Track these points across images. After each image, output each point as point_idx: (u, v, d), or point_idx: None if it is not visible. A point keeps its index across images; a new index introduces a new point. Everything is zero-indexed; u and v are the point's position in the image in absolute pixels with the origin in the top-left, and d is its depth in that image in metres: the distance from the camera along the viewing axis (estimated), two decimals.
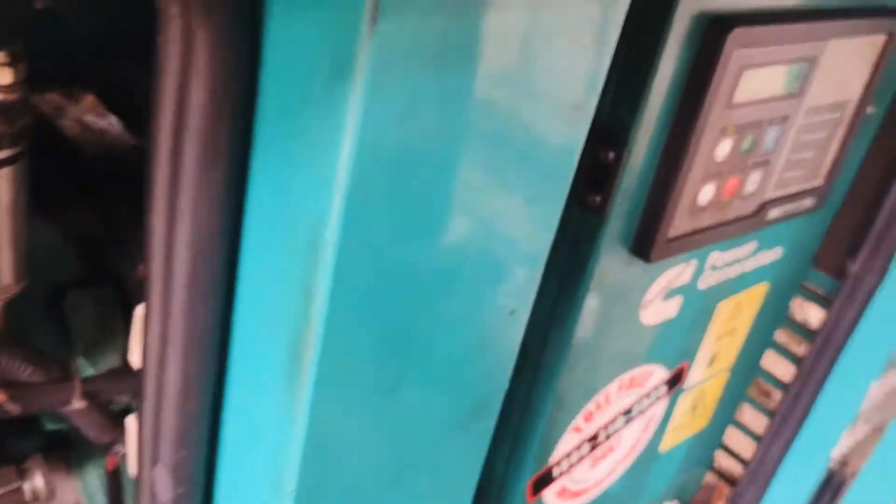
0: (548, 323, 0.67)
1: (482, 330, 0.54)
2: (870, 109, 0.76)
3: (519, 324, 0.57)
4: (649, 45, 0.54)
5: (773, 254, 0.82)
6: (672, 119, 0.58)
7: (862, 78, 0.71)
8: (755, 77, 0.60)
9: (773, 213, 0.72)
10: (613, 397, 0.76)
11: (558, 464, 0.76)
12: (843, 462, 1.02)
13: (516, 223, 0.51)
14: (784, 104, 0.65)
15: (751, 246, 0.77)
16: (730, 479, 1.06)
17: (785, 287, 0.89)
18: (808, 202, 0.76)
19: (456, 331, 0.52)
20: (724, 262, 0.75)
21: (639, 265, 0.65)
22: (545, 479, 0.75)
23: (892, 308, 0.90)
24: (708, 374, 0.88)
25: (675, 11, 0.53)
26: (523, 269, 0.54)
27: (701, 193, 0.63)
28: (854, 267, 0.88)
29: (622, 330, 0.70)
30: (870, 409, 0.99)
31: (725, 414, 0.99)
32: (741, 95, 0.60)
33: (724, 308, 0.81)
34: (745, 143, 0.64)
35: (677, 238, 0.64)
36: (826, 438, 0.98)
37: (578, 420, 0.74)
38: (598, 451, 0.80)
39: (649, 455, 0.89)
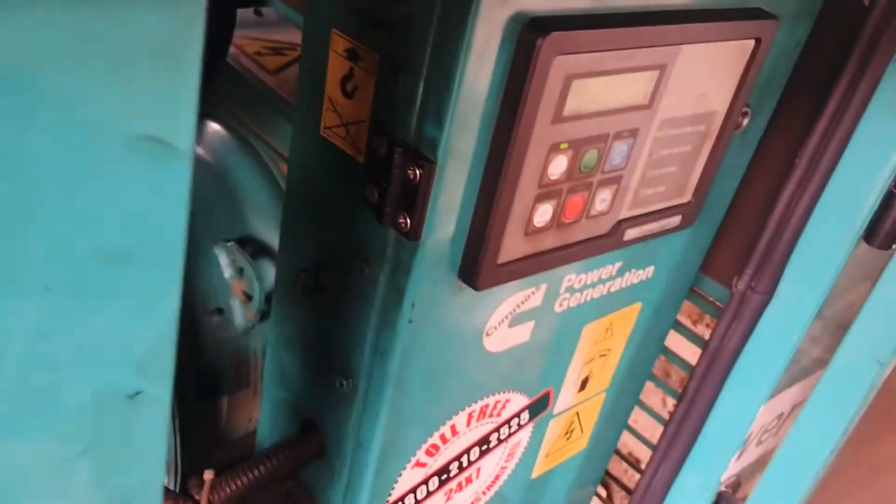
0: (372, 354, 0.60)
1: None
2: (745, 120, 0.70)
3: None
4: (450, 52, 0.48)
5: (644, 273, 0.76)
6: (492, 134, 0.52)
7: (730, 86, 0.65)
8: (589, 87, 0.53)
9: (632, 232, 0.66)
10: (462, 428, 0.69)
11: (402, 499, 0.70)
12: (735, 486, 0.97)
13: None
14: (632, 116, 0.58)
15: (614, 266, 0.71)
16: (627, 488, 1.01)
17: (663, 306, 0.83)
18: (674, 220, 0.70)
19: None
20: (583, 283, 0.69)
21: (472, 291, 0.59)
22: None
23: (781, 329, 0.84)
24: (581, 398, 0.83)
25: (474, 13, 0.46)
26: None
27: (536, 214, 0.57)
28: (739, 286, 0.83)
29: (464, 359, 0.64)
30: (761, 431, 0.94)
31: (608, 435, 0.94)
32: (573, 107, 0.53)
33: (591, 330, 0.75)
34: (586, 160, 0.57)
35: (510, 263, 0.58)
36: (715, 462, 0.93)
37: (420, 454, 0.67)
38: (451, 484, 0.74)
39: (519, 482, 0.83)
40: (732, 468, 0.94)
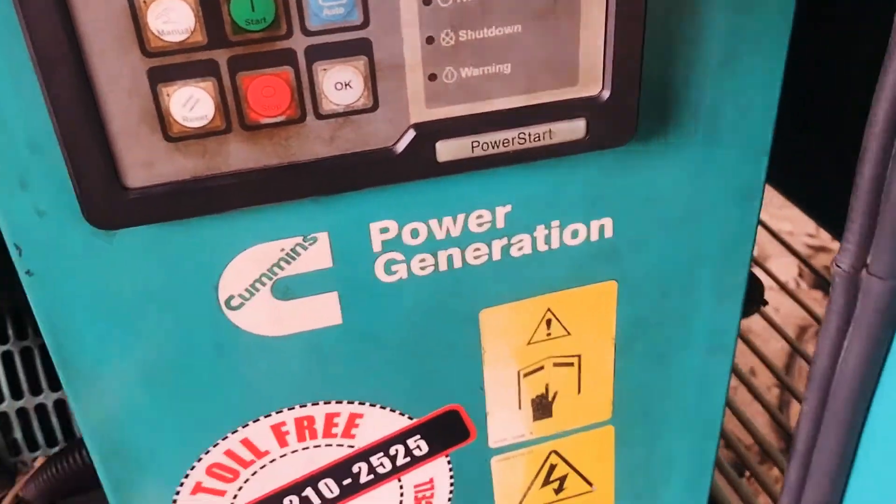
0: None
1: None
2: None
3: None
4: None
5: (587, 230, 0.45)
6: None
7: None
8: None
9: (452, 148, 0.38)
10: (270, 446, 0.48)
11: None
12: None
13: None
14: None
15: (493, 213, 0.43)
16: None
17: (672, 287, 0.50)
18: (566, 128, 0.39)
19: None
20: (423, 237, 0.43)
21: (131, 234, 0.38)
22: None
23: None
24: (552, 430, 0.53)
25: None
26: None
27: (174, 105, 0.34)
28: (841, 264, 0.46)
29: (196, 337, 0.43)
30: None
31: (665, 495, 0.61)
32: None
33: (500, 321, 0.47)
34: (238, 7, 0.33)
35: (154, 189, 0.36)
36: None
37: (196, 474, 0.47)
38: None
39: None
40: None
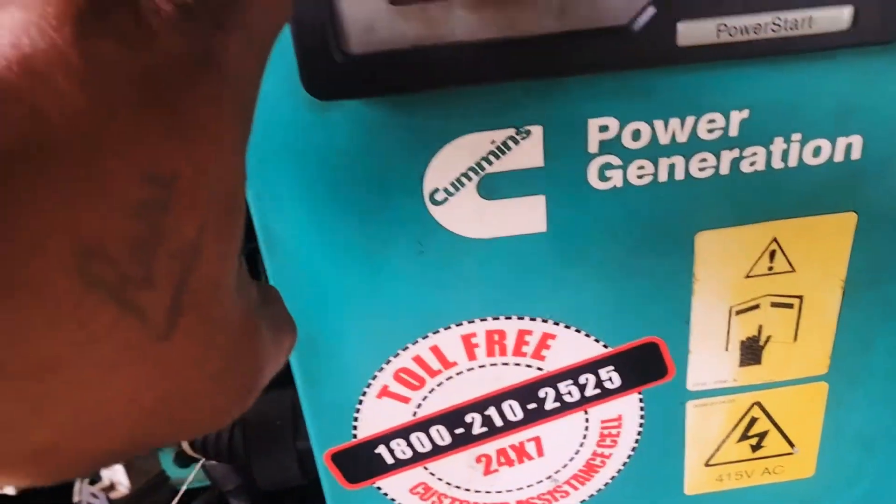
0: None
1: None
2: None
3: None
4: None
5: (832, 147, 0.40)
6: None
7: None
8: None
9: (695, 31, 0.34)
10: (458, 357, 0.46)
11: (387, 440, 0.49)
12: None
13: None
14: None
15: (723, 118, 0.39)
16: None
17: None
18: (825, 18, 0.34)
19: None
20: (645, 141, 0.39)
21: (342, 107, 0.37)
22: (353, 458, 0.49)
23: None
24: (759, 379, 0.48)
25: None
26: None
27: None
28: None
29: (399, 225, 0.41)
30: None
31: (869, 465, 0.54)
32: None
33: (718, 245, 0.43)
34: None
35: (379, 56, 0.34)
36: None
37: (383, 377, 0.46)
38: (484, 448, 0.50)
39: (653, 491, 0.53)
40: None
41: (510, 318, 0.45)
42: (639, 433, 0.50)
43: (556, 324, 0.45)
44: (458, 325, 0.45)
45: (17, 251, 0.18)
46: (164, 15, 0.21)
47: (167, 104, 0.20)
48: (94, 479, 0.95)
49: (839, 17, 0.35)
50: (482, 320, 0.45)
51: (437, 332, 0.45)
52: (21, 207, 0.18)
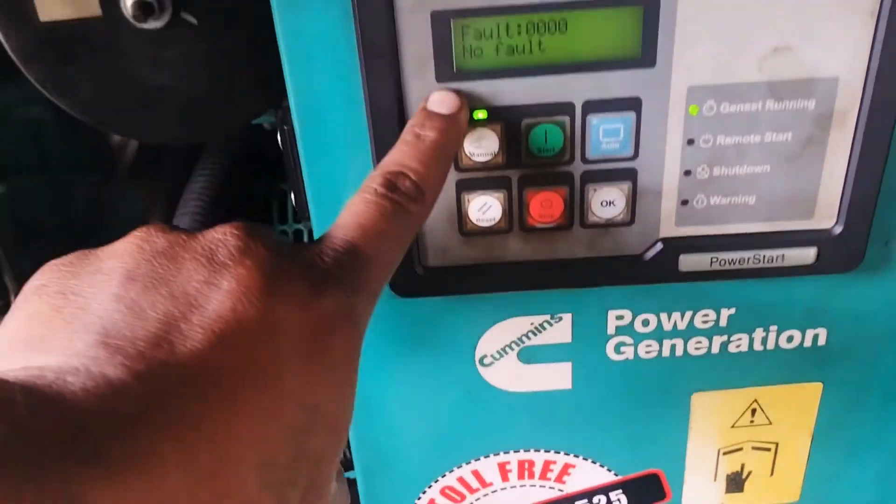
0: None
1: None
2: None
3: None
4: None
5: (802, 336, 0.50)
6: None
7: (851, 38, 0.39)
8: (486, 29, 0.38)
9: (694, 261, 0.45)
10: (494, 479, 0.56)
11: None
12: None
13: None
14: (613, 78, 0.40)
15: (716, 314, 0.49)
16: None
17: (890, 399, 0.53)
18: (798, 254, 0.45)
19: None
20: (651, 327, 0.49)
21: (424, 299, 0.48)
22: None
23: None
24: (741, 503, 0.58)
25: None
26: None
27: (472, 209, 0.43)
28: None
29: (453, 383, 0.52)
30: None
31: None
32: (474, 61, 0.39)
33: (709, 405, 0.53)
34: (535, 138, 0.41)
35: (446, 269, 0.45)
36: None
37: (432, 492, 0.56)
38: None
39: None
40: None
41: (538, 450, 0.55)
42: None
43: (576, 456, 0.55)
44: (495, 455, 0.55)
45: (224, 454, 0.27)
46: (328, 284, 0.31)
47: (321, 352, 0.30)
48: None
49: (806, 255, 0.45)
50: (515, 452, 0.55)
51: (479, 459, 0.55)
52: (231, 417, 0.27)
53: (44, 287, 0.29)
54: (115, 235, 0.33)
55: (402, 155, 0.37)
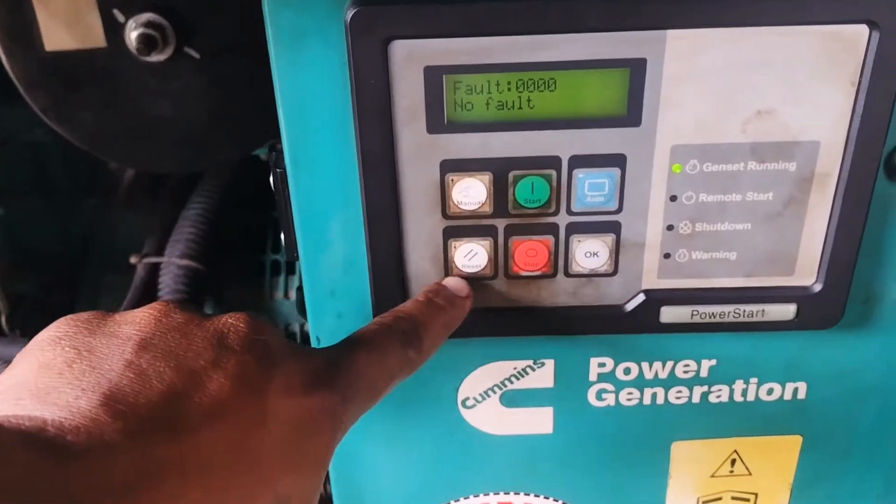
0: None
1: None
2: None
3: None
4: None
5: (783, 390, 0.51)
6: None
7: (833, 103, 0.40)
8: (476, 85, 0.39)
9: (675, 313, 0.45)
10: None
11: None
12: None
13: None
14: (599, 136, 0.41)
15: (697, 365, 0.49)
16: None
17: (873, 456, 0.54)
18: (778, 310, 0.45)
19: None
20: (632, 375, 0.50)
21: None
22: None
23: None
24: None
25: None
26: None
27: (458, 255, 0.44)
28: None
29: (435, 422, 0.52)
30: None
31: None
32: (464, 114, 0.40)
33: (690, 453, 0.53)
34: (521, 190, 0.42)
35: None
36: None
37: None
38: None
39: None
40: None
41: (519, 493, 0.55)
42: None
43: (556, 500, 0.55)
44: (475, 497, 0.55)
45: None
46: (322, 387, 0.32)
47: (301, 447, 0.32)
48: None
49: (786, 311, 0.46)
50: (496, 494, 0.55)
51: (459, 500, 0.55)
52: (211, 494, 0.28)
53: (59, 340, 0.31)
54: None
55: (413, 308, 0.41)
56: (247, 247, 0.83)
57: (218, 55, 0.61)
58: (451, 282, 0.44)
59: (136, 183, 0.87)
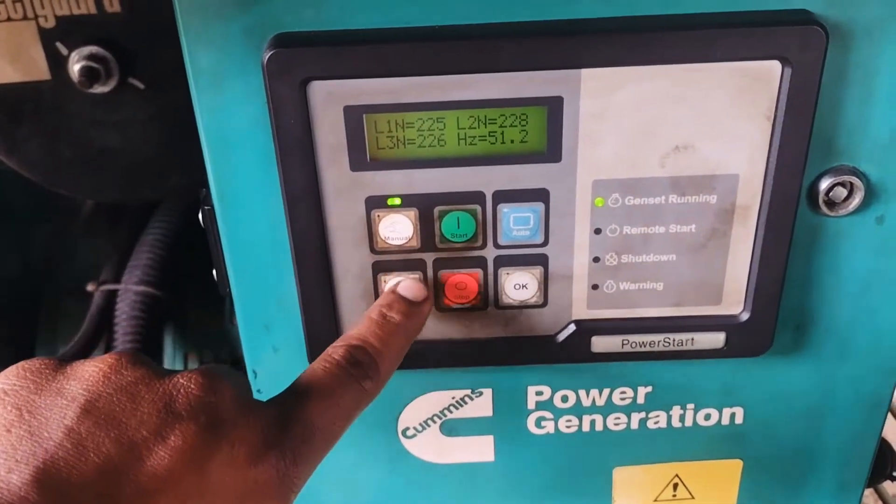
0: None
1: None
2: (852, 196, 0.43)
3: None
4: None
5: (720, 415, 0.51)
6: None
7: (751, 137, 0.41)
8: (398, 124, 0.40)
9: (606, 343, 0.46)
10: None
11: None
12: None
13: None
14: (520, 172, 0.41)
15: (634, 392, 0.50)
16: None
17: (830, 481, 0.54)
18: (707, 339, 0.46)
19: None
20: (569, 403, 0.50)
21: None
22: None
23: None
24: None
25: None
26: None
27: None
28: None
29: (378, 454, 0.52)
30: None
31: None
32: (389, 152, 0.40)
33: (632, 478, 0.54)
34: (448, 224, 0.42)
35: None
36: None
37: None
38: None
39: None
40: None
41: None
42: None
43: None
44: None
45: None
46: (270, 453, 0.33)
47: None
48: None
49: (716, 339, 0.46)
50: None
51: None
52: None
53: (4, 395, 0.31)
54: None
55: (366, 331, 0.40)
56: (208, 270, 0.83)
57: (163, 85, 0.61)
58: (407, 286, 0.43)
59: (97, 209, 0.87)
